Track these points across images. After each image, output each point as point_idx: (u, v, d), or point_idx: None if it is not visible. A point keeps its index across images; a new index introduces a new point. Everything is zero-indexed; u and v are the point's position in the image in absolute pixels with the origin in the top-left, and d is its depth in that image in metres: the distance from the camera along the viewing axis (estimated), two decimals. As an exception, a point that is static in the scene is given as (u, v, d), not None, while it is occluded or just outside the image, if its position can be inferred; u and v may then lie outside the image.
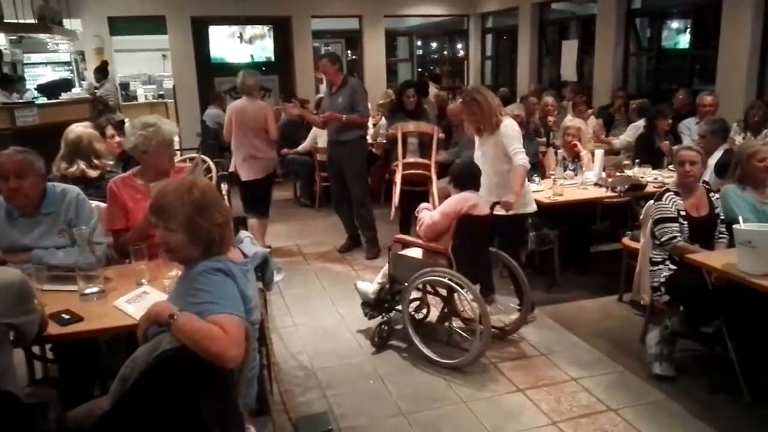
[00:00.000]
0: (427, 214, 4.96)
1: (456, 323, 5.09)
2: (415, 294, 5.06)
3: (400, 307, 4.99)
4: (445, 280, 4.68)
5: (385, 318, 5.12)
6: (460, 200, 4.82)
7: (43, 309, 2.87)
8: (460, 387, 4.46)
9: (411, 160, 7.27)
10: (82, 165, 4.70)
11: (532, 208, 5.44)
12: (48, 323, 2.91)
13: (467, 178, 4.97)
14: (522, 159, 5.09)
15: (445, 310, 5.09)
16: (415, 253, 4.99)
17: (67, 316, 3.03)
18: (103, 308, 3.18)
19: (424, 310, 5.31)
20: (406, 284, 4.89)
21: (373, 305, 5.19)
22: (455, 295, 4.91)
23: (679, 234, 4.51)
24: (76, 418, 2.62)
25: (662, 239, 4.57)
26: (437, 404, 4.27)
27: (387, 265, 5.13)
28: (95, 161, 4.74)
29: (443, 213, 4.82)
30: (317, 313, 5.71)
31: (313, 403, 4.29)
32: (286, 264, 7.05)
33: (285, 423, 3.72)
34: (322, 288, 6.41)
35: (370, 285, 5.24)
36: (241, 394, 2.67)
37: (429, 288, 5.10)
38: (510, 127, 5.20)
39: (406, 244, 5.15)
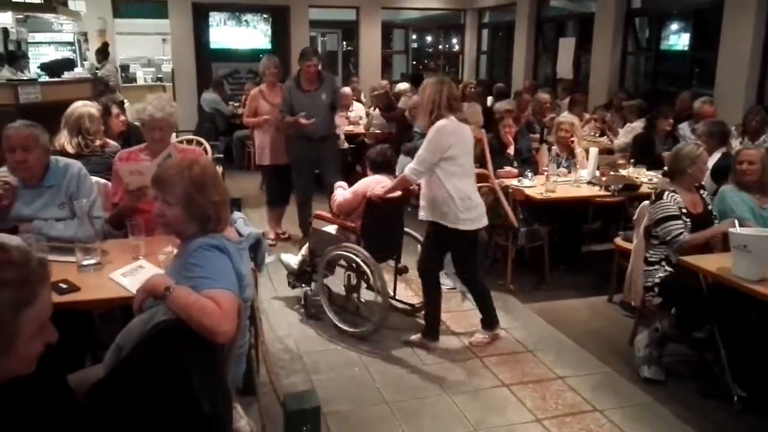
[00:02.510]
0: (341, 193, 5.34)
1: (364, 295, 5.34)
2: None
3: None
4: (349, 254, 4.96)
5: (305, 288, 5.45)
6: (371, 182, 5.18)
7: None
8: (444, 379, 4.48)
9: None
10: (63, 139, 4.86)
11: (465, 226, 4.66)
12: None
13: (381, 162, 5.37)
14: (408, 169, 4.64)
15: (352, 283, 5.28)
16: (332, 228, 5.27)
17: (65, 286, 3.10)
18: (99, 280, 3.25)
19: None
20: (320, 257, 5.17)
21: (296, 275, 5.55)
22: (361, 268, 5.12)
23: (684, 230, 4.44)
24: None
25: (668, 238, 4.48)
26: (420, 394, 4.29)
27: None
28: (78, 138, 4.88)
29: (354, 192, 5.25)
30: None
31: (298, 387, 4.31)
32: (276, 248, 7.06)
33: (271, 404, 3.73)
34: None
35: (294, 257, 5.63)
36: (230, 370, 2.70)
37: (341, 262, 5.26)
38: (433, 130, 4.53)
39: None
